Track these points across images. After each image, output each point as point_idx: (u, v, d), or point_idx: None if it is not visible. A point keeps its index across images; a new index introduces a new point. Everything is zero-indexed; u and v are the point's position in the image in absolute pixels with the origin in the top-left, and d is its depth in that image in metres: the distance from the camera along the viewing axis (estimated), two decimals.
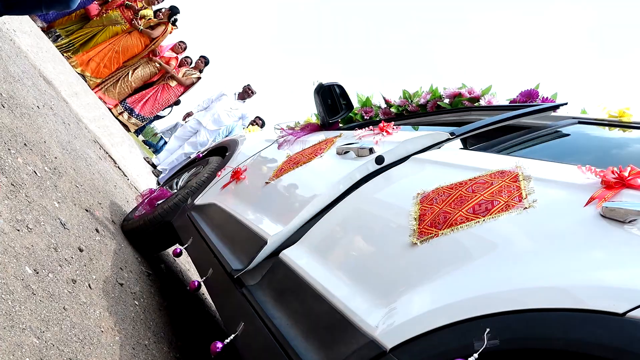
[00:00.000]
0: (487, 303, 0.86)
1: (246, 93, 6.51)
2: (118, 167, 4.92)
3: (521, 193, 1.13)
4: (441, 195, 1.27)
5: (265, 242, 1.57)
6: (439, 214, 1.20)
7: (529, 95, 2.07)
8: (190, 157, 6.39)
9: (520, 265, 0.92)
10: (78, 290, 1.38)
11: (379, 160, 1.64)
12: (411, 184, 1.42)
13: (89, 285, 1.48)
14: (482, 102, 2.13)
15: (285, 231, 1.60)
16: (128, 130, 6.89)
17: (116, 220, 2.64)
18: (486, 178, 1.25)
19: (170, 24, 6.76)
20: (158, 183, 6.41)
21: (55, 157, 2.46)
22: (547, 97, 2.04)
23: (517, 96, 2.11)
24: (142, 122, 6.98)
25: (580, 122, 1.63)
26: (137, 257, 2.36)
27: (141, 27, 6.55)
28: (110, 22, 6.47)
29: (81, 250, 1.64)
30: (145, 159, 6.55)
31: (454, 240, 1.10)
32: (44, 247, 1.40)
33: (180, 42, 7.26)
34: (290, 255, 1.43)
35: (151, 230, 2.45)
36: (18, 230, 1.33)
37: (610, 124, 1.56)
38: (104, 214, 2.47)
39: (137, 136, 8.10)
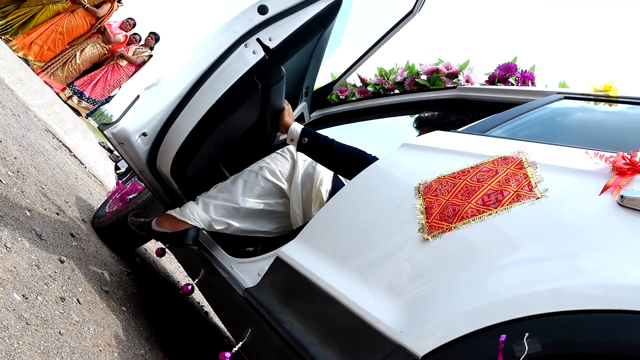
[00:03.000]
0: (522, 304, 0.85)
1: None
2: (74, 155, 4.70)
3: (530, 181, 1.12)
4: (445, 186, 1.25)
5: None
6: (446, 206, 1.18)
7: (507, 69, 2.06)
8: None
9: (547, 261, 0.91)
10: (68, 308, 1.30)
11: (262, 9, 1.51)
12: (409, 174, 1.39)
13: (78, 300, 1.40)
14: (461, 78, 2.11)
15: None
16: (79, 114, 6.56)
17: (86, 218, 2.51)
18: (489, 165, 1.23)
19: (116, 1, 6.39)
20: (117, 168, 6.17)
21: (15, 158, 2.29)
22: (525, 70, 2.04)
23: (496, 70, 2.10)
24: (94, 105, 6.65)
25: (566, 98, 1.63)
26: (113, 256, 2.26)
27: (86, 4, 6.17)
28: (50, 1, 6.06)
29: (62, 262, 1.55)
30: (100, 144, 6.27)
31: (468, 234, 1.08)
32: (26, 266, 1.30)
33: (129, 19, 6.90)
34: (290, 254, 1.39)
35: (125, 227, 2.34)
36: None
37: (598, 99, 1.56)
38: (73, 214, 2.35)
39: (87, 119, 7.75)
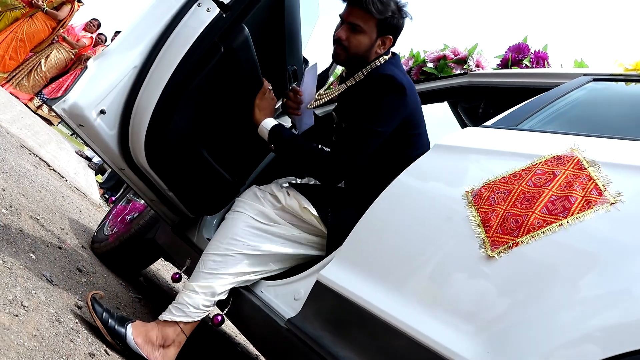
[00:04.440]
0: (630, 334, 0.77)
1: None
2: (54, 169, 4.49)
3: (597, 184, 1.04)
4: (498, 193, 1.16)
5: None
6: (506, 217, 1.09)
7: (519, 50, 1.98)
8: None
9: None
10: None
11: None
12: (451, 180, 1.30)
13: (106, 351, 1.28)
14: (470, 63, 2.02)
15: None
16: (51, 124, 6.29)
17: (85, 243, 2.37)
18: (543, 167, 1.15)
19: (76, 1, 6.08)
20: (97, 172, 5.96)
21: (3, 189, 2.13)
22: (538, 51, 1.95)
23: (506, 52, 2.02)
24: None
25: (595, 80, 1.55)
26: (121, 282, 2.14)
27: (45, 7, 5.85)
28: (6, 7, 5.73)
29: (79, 307, 1.43)
30: (77, 153, 6.03)
31: (540, 250, 0.99)
32: (48, 324, 1.18)
33: (92, 19, 6.59)
34: (332, 277, 1.29)
35: (130, 251, 2.22)
36: (17, 316, 1.10)
37: (630, 79, 1.49)
38: (72, 242, 2.21)
39: (59, 127, 7.45)
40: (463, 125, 2.24)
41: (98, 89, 1.33)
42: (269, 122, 1.59)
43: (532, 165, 1.18)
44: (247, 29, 1.47)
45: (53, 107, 1.30)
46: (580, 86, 1.53)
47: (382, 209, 1.34)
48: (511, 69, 1.93)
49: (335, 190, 1.66)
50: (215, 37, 1.42)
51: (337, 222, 1.51)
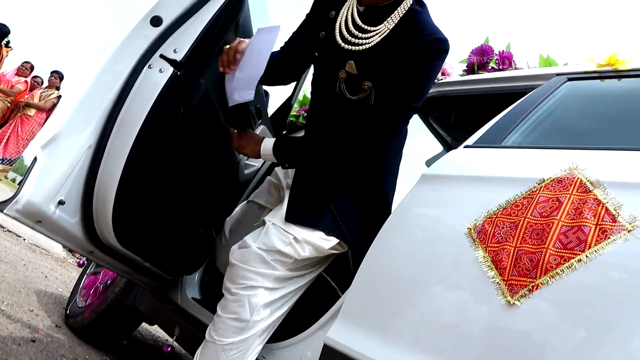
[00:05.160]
0: None
1: None
2: (8, 230, 4.24)
3: (607, 209, 0.98)
4: (502, 227, 1.09)
5: None
6: (519, 256, 1.02)
7: (483, 52, 1.92)
8: None
9: None
10: None
11: (156, 21, 1.29)
12: (449, 216, 1.22)
13: None
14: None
15: None
16: None
17: (58, 320, 2.20)
18: (545, 193, 1.09)
19: (3, 47, 5.76)
20: None
21: None
22: (502, 51, 1.91)
23: (470, 56, 1.96)
24: (11, 165, 6.05)
25: (570, 80, 1.50)
26: (105, 358, 1.99)
27: None
28: None
29: None
30: None
31: (565, 291, 0.93)
32: None
33: (24, 62, 6.26)
34: (341, 340, 1.19)
35: (110, 322, 2.07)
36: None
37: (606, 76, 1.45)
38: (45, 323, 2.04)
39: (8, 180, 7.08)
40: (436, 135, 2.18)
41: (52, 179, 1.20)
42: (267, 145, 1.40)
43: (533, 191, 1.11)
44: (204, 82, 1.36)
45: (5, 211, 1.16)
46: (556, 88, 1.48)
47: (379, 258, 1.25)
48: (478, 73, 1.88)
49: (325, 181, 1.42)
50: (173, 97, 1.31)
51: (349, 223, 1.40)
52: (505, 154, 1.31)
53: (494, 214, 1.12)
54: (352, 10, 1.35)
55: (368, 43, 1.31)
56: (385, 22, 1.30)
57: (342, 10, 1.37)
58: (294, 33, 1.52)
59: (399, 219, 1.29)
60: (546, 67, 1.77)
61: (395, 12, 1.30)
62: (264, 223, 1.36)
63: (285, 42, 1.53)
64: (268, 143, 1.40)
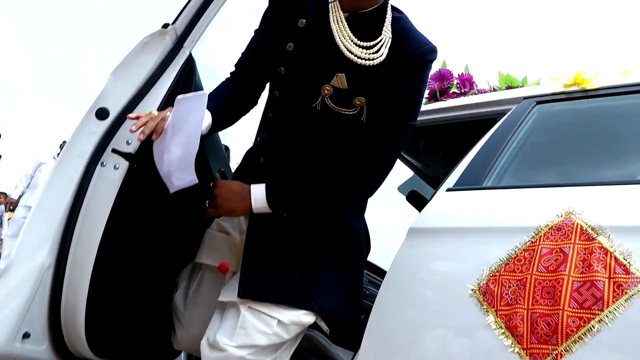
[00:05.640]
0: None
1: None
2: None
3: (617, 259, 0.94)
4: (509, 287, 1.03)
5: None
6: (534, 320, 0.97)
7: (442, 77, 1.89)
8: None
9: None
10: None
11: (101, 114, 1.18)
12: (449, 275, 1.16)
13: None
14: None
15: None
16: None
17: None
18: (547, 244, 1.04)
19: None
20: None
21: None
22: (462, 74, 1.88)
23: (430, 82, 1.92)
24: None
25: (539, 103, 1.47)
26: None
27: None
28: None
29: None
30: None
31: (592, 357, 0.88)
32: None
33: None
34: None
35: None
36: None
37: (575, 97, 1.42)
38: None
39: None
40: (405, 162, 2.13)
41: (11, 316, 1.07)
42: (258, 196, 1.20)
43: (533, 242, 1.07)
44: None
45: None
46: (526, 115, 1.45)
47: (382, 327, 1.18)
48: (441, 100, 1.84)
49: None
50: (134, 194, 1.20)
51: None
52: (492, 197, 1.26)
53: (497, 271, 1.07)
54: (341, 18, 1.18)
55: (378, 56, 1.15)
56: (384, 32, 1.17)
57: (331, 18, 1.18)
58: (243, 55, 1.33)
59: (395, 283, 1.21)
60: (511, 88, 1.76)
61: (386, 20, 1.18)
62: (233, 305, 1.18)
63: (236, 67, 1.34)
64: (258, 193, 1.20)
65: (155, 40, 1.27)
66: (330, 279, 1.27)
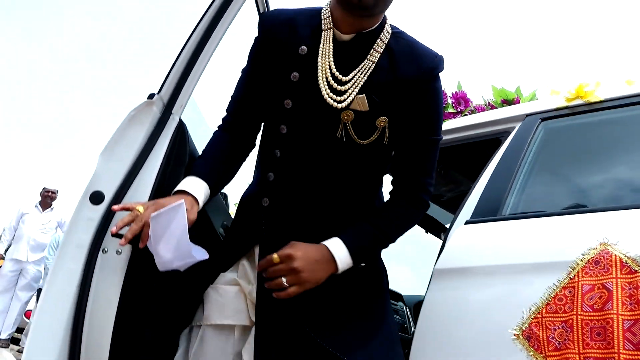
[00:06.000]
0: None
1: (48, 198, 5.37)
2: None
3: None
4: (554, 329, 1.00)
5: None
6: None
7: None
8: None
9: None
10: None
11: (96, 198, 1.13)
12: (486, 319, 1.12)
13: None
14: None
15: None
16: None
17: None
18: (587, 280, 1.01)
19: None
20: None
21: None
22: (456, 92, 1.85)
23: None
24: None
25: (543, 120, 1.44)
26: None
27: None
28: None
29: None
30: None
31: None
32: None
33: None
34: None
35: None
36: None
37: (580, 111, 1.40)
38: None
39: None
40: None
41: None
42: (341, 256, 1.07)
43: (571, 279, 1.03)
44: None
45: None
46: (533, 133, 1.42)
47: None
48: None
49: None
50: (141, 276, 1.13)
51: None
52: (516, 229, 1.22)
53: (538, 313, 1.04)
54: (329, 52, 1.13)
55: (348, 96, 1.11)
56: (367, 58, 1.12)
57: (320, 52, 1.13)
58: (234, 99, 1.24)
59: (430, 332, 1.18)
60: (507, 101, 1.73)
61: (377, 42, 1.13)
62: None
63: (228, 113, 1.26)
64: (340, 252, 1.07)
65: (142, 112, 1.21)
66: (359, 323, 1.15)
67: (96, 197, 1.12)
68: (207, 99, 1.57)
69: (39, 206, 5.41)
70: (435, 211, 2.08)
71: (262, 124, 1.25)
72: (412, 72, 1.11)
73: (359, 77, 1.10)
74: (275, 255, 1.01)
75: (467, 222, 1.31)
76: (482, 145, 1.63)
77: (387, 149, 1.17)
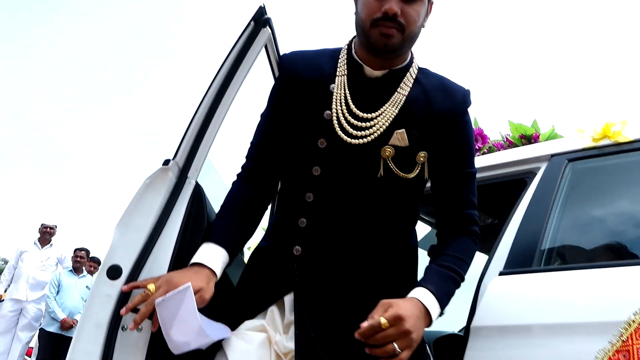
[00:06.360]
0: None
1: (46, 234, 5.27)
2: None
3: None
4: None
5: None
6: None
7: None
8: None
9: None
10: None
11: (113, 272, 1.07)
12: None
13: None
14: None
15: None
16: None
17: None
18: None
19: None
20: None
21: None
22: (474, 129, 1.80)
23: None
24: None
25: (571, 160, 1.40)
26: None
27: None
28: None
29: None
30: None
31: None
32: None
33: None
34: None
35: None
36: None
37: (610, 152, 1.35)
38: None
39: None
40: (424, 220, 2.05)
41: None
42: (432, 307, 1.01)
43: (624, 342, 0.98)
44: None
45: None
46: (560, 175, 1.37)
47: None
48: None
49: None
50: (164, 350, 1.07)
51: None
52: (556, 282, 1.17)
53: None
54: (346, 95, 1.12)
55: (374, 131, 1.10)
56: (395, 94, 1.11)
57: (334, 92, 1.12)
58: (256, 145, 1.19)
59: None
60: (525, 137, 1.69)
61: (405, 79, 1.12)
62: None
63: (249, 160, 1.20)
64: (432, 305, 1.01)
65: (157, 179, 1.16)
66: None
67: (113, 271, 1.07)
68: (221, 153, 1.51)
69: (38, 243, 5.32)
70: None
71: (288, 168, 1.19)
72: (447, 105, 1.11)
73: (390, 110, 1.09)
74: (383, 320, 0.91)
75: (501, 273, 1.26)
76: (506, 186, 1.58)
77: (424, 183, 1.16)
